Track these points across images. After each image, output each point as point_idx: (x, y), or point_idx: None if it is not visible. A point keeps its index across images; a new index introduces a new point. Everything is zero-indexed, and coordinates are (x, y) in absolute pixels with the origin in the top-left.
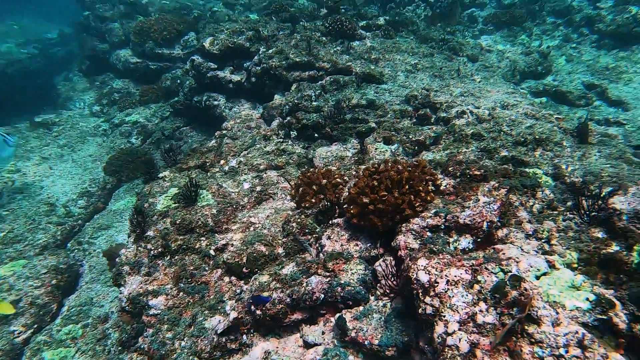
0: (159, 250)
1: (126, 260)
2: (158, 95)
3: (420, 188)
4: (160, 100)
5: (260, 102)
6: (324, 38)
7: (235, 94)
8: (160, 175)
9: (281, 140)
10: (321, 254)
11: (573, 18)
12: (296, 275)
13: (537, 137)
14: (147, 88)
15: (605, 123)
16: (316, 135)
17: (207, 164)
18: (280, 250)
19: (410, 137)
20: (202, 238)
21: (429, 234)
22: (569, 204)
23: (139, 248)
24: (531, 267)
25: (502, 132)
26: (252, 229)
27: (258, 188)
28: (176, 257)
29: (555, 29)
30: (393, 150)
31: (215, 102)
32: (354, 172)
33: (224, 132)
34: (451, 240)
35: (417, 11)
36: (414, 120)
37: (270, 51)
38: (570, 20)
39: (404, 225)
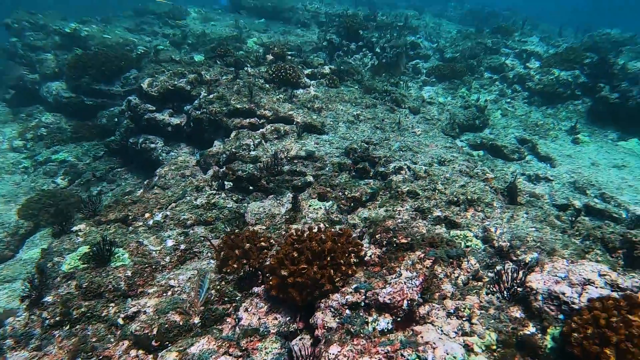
0: (57, 318)
1: (11, 332)
2: (93, 133)
3: (342, 261)
4: (94, 138)
5: (200, 147)
6: (267, 85)
7: (175, 137)
8: (75, 228)
9: (214, 192)
10: (237, 328)
11: (507, 75)
12: (205, 355)
13: (469, 197)
14: (81, 124)
15: (535, 178)
16: (251, 187)
17: (130, 217)
18: (196, 319)
19: (347, 193)
20: (111, 304)
21: (347, 311)
22: (492, 274)
23: (32, 316)
24: (447, 354)
25: (436, 191)
26: (169, 293)
27: (182, 246)
28: (77, 326)
29: (492, 83)
30: (327, 208)
31: (152, 145)
32: (283, 232)
33: (156, 179)
34: (370, 319)
35: (364, 60)
36: (353, 173)
37: (211, 96)
38: (504, 77)
39: (322, 301)
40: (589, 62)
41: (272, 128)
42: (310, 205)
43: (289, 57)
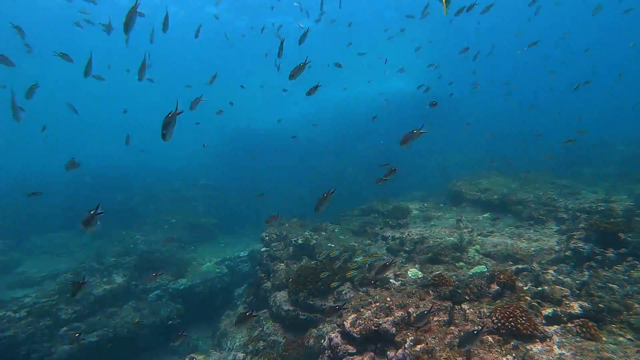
0: None
1: None
2: (299, 354)
3: None
4: (301, 358)
5: None
6: (490, 338)
7: None
8: None
9: None
10: None
11: None
12: None
13: None
14: (291, 342)
15: None
16: None
17: None
18: None
19: None
20: None
21: None
22: None
23: None
24: None
25: None
26: None
27: None
28: None
29: None
30: None
31: None
32: None
33: None
34: None
35: (632, 273)
36: None
37: (418, 348)
38: None
39: None
40: None
41: None
42: None
43: (520, 285)
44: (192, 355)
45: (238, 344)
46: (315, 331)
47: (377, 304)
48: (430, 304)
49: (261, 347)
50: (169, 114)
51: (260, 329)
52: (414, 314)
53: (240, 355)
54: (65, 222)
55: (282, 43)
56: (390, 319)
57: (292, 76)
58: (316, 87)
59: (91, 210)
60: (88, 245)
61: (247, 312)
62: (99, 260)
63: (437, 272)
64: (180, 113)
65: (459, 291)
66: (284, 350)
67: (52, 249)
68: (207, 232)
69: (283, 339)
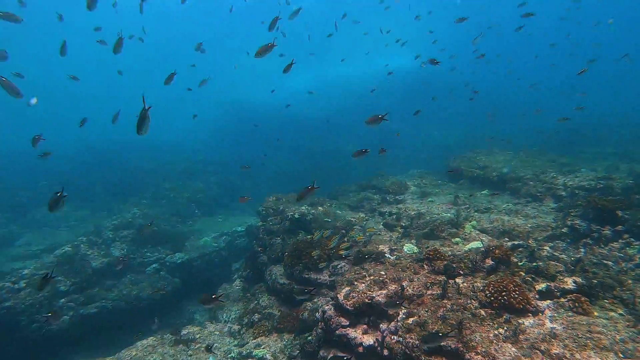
0: None
1: None
2: (294, 326)
3: None
4: (294, 332)
5: None
6: (482, 312)
7: (367, 359)
8: None
9: None
10: None
11: None
12: None
13: None
14: (286, 314)
15: None
16: None
17: None
18: None
19: None
20: None
21: None
22: None
23: None
24: None
25: None
26: None
27: None
28: None
29: None
30: None
31: None
32: None
33: None
34: None
35: (627, 251)
36: None
37: (410, 321)
38: None
39: None
40: None
41: None
42: None
43: (515, 260)
44: (188, 327)
45: (233, 316)
46: (310, 304)
47: (371, 277)
48: (424, 278)
49: (256, 320)
50: (142, 110)
51: (256, 302)
52: (408, 288)
53: (236, 327)
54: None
55: (276, 19)
56: (383, 292)
57: (258, 54)
58: (291, 64)
59: (57, 193)
60: (87, 219)
61: (213, 295)
62: (98, 234)
63: (431, 251)
64: (149, 108)
65: (453, 265)
66: (279, 323)
67: (52, 222)
68: (205, 207)
69: (278, 311)
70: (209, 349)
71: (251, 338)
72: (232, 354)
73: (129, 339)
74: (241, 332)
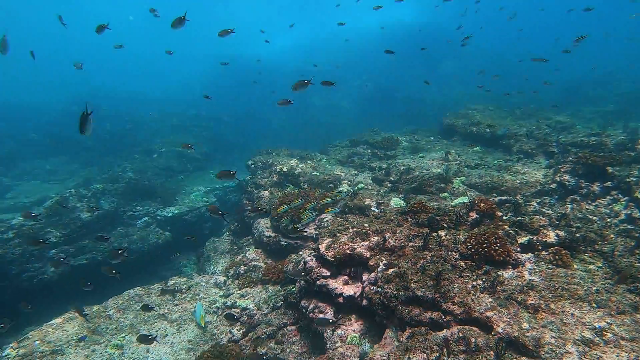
0: None
1: None
2: (279, 278)
3: None
4: (279, 283)
5: (374, 328)
6: (462, 263)
7: (347, 309)
8: None
9: None
10: None
11: None
12: None
13: None
14: (272, 266)
15: None
16: None
17: None
18: None
19: None
20: None
21: None
22: None
23: None
24: None
25: None
26: None
27: None
28: None
29: None
30: None
31: (320, 316)
32: None
33: None
34: None
35: (613, 207)
36: None
37: (390, 272)
38: None
39: None
40: None
41: (459, 335)
42: None
43: (500, 214)
44: (174, 277)
45: (220, 268)
46: (295, 257)
47: (354, 229)
48: (407, 231)
49: (242, 272)
50: (83, 114)
51: (243, 254)
52: (390, 240)
53: (222, 278)
54: (54, 149)
55: None
56: (365, 243)
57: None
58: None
59: (85, 113)
60: (77, 172)
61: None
62: (87, 187)
63: (416, 204)
64: (90, 113)
65: (437, 218)
66: (264, 275)
67: (41, 175)
68: (196, 162)
69: (264, 264)
70: (147, 307)
71: (236, 289)
72: (217, 304)
73: (118, 290)
74: (227, 284)
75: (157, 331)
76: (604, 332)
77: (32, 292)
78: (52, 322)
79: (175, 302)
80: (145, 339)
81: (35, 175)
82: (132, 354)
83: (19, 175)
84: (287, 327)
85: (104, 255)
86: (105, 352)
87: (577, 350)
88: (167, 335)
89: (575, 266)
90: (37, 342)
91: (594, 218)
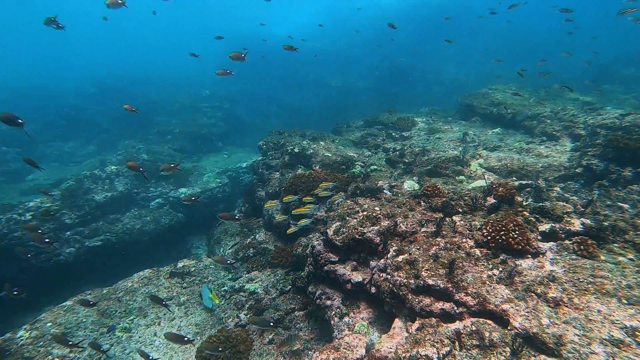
0: None
1: None
2: (288, 261)
3: None
4: (288, 267)
5: (383, 317)
6: (477, 251)
7: (355, 295)
8: None
9: None
10: None
11: None
12: None
13: None
14: (281, 249)
15: None
16: None
17: None
18: None
19: None
20: None
21: None
22: None
23: None
24: None
25: None
26: None
27: None
28: None
29: None
30: None
31: (328, 303)
32: None
33: None
34: None
35: None
36: None
37: (400, 258)
38: None
39: None
40: None
41: (473, 328)
42: None
43: (520, 200)
44: (184, 260)
45: (230, 250)
46: (305, 240)
47: (364, 212)
48: (420, 215)
49: (251, 254)
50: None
51: (253, 237)
52: (401, 225)
53: (232, 260)
54: (72, 132)
55: None
56: (375, 228)
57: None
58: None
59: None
60: (94, 154)
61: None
62: (102, 168)
63: (430, 187)
64: (24, 122)
65: (452, 203)
66: (272, 258)
67: (60, 157)
68: (210, 143)
69: (273, 247)
70: (156, 299)
71: (245, 272)
72: (225, 287)
73: (131, 271)
74: (237, 266)
75: (164, 314)
76: (636, 332)
77: (49, 272)
78: (64, 304)
79: (184, 284)
80: (158, 300)
81: (54, 158)
82: (139, 337)
83: (38, 158)
84: (295, 313)
85: (118, 236)
86: (114, 334)
87: (604, 351)
88: (174, 318)
89: (602, 257)
90: (49, 324)
91: (625, 206)
